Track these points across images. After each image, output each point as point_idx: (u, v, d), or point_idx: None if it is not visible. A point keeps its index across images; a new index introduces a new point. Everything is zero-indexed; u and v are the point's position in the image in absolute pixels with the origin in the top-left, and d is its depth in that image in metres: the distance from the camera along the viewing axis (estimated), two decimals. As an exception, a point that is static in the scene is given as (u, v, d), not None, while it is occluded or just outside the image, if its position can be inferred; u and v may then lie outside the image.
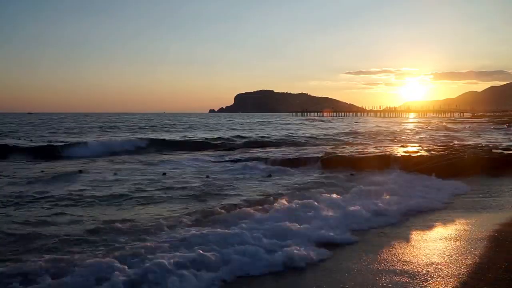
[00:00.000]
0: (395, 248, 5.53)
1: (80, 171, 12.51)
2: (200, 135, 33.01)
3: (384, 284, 4.37)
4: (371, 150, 15.73)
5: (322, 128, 46.58)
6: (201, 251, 5.02)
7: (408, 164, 12.63)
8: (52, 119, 74.70)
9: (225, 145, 23.61)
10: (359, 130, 38.88)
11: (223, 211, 7.30)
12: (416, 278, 4.49)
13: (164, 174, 12.15)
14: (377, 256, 5.22)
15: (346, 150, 16.08)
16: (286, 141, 26.15)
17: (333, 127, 48.86)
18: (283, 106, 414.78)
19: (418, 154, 13.89)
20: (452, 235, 6.11)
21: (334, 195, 8.26)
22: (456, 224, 6.79)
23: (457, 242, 5.74)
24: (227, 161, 15.31)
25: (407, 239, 5.96)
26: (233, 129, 44.66)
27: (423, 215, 7.42)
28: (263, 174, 12.22)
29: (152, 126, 47.96)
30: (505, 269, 4.62)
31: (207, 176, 11.70)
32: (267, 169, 12.93)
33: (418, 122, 67.27)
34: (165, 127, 46.41)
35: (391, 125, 53.84)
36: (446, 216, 7.32)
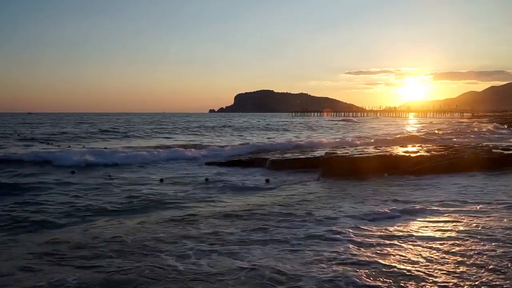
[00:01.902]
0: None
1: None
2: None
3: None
4: (371, 150, 15.70)
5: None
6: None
7: (408, 164, 12.65)
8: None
9: None
10: (423, 130, 37.51)
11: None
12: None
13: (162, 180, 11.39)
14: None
15: (346, 150, 16.05)
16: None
17: (379, 128, 48.31)
18: (283, 106, 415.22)
19: (418, 154, 13.90)
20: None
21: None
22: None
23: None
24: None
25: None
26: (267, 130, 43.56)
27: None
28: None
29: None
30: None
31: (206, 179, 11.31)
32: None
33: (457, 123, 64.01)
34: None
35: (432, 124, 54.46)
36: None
